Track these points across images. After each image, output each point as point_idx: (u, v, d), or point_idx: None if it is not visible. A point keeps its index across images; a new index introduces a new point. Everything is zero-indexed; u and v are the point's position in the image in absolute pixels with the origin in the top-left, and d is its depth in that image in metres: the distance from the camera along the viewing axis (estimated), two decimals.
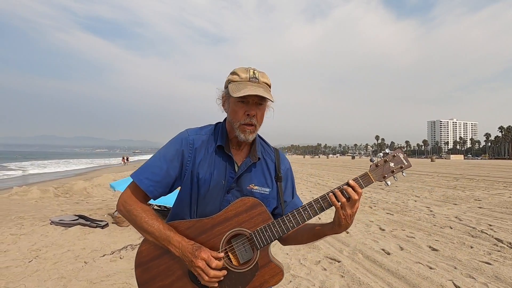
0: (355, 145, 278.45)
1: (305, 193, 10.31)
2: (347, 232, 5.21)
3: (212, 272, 1.07)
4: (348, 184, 1.14)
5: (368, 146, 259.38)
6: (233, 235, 1.15)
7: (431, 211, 7.11)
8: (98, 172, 24.11)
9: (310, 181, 14.71)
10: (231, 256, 1.16)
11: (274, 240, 1.16)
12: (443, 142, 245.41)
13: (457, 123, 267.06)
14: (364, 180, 1.18)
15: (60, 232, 4.99)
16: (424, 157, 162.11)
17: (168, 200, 4.61)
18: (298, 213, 1.15)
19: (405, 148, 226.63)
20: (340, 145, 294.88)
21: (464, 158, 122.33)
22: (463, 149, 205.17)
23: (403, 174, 1.21)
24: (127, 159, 43.13)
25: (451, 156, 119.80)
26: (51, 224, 5.45)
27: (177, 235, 1.12)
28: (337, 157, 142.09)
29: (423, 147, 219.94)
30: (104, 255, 3.99)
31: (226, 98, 1.23)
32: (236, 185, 1.20)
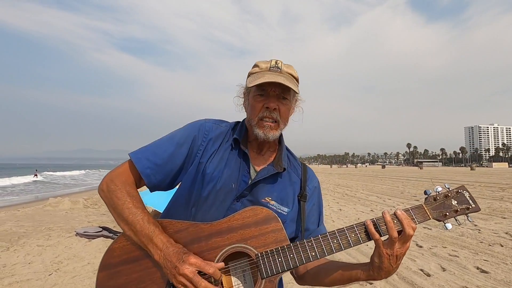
0: (385, 153, 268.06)
1: (332, 204, 9.81)
2: None
3: (203, 284, 0.80)
4: (394, 214, 0.89)
5: (400, 155, 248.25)
6: (233, 252, 0.89)
7: (475, 225, 6.37)
8: None
9: (337, 192, 14.08)
10: (223, 280, 0.89)
11: (287, 270, 0.89)
12: (483, 149, 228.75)
13: (499, 128, 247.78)
14: (419, 213, 0.93)
15: (83, 244, 5.02)
16: (463, 166, 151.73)
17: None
18: (325, 240, 0.89)
19: (441, 156, 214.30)
20: (369, 153, 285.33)
21: (509, 166, 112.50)
22: (507, 156, 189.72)
23: (469, 219, 0.95)
24: None
25: (494, 164, 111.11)
26: (76, 236, 5.54)
27: (164, 234, 0.88)
28: (366, 166, 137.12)
29: (460, 154, 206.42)
30: None
31: (247, 94, 1.05)
32: (249, 193, 0.99)
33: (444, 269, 3.85)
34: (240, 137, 1.03)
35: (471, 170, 53.40)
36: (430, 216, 0.93)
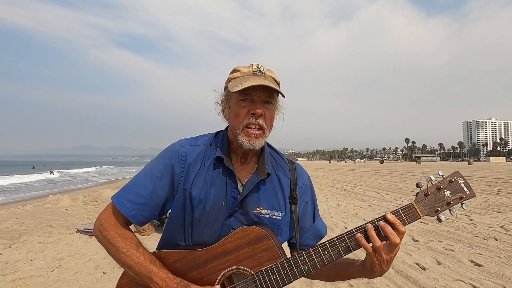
0: (384, 149, 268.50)
1: (331, 199, 9.89)
2: None
3: None
4: (385, 219, 0.88)
5: (398, 150, 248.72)
6: (231, 274, 0.93)
7: (471, 219, 6.46)
8: (126, 180, 24.94)
9: (335, 187, 14.17)
10: None
11: (283, 286, 0.92)
12: (481, 144, 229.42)
13: (497, 123, 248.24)
14: (409, 214, 0.90)
15: (84, 241, 5.08)
16: (461, 160, 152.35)
17: None
18: (316, 253, 0.92)
19: (439, 151, 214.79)
20: (367, 149, 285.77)
21: (507, 161, 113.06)
22: (504, 150, 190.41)
23: (463, 206, 0.93)
24: None
25: (491, 158, 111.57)
26: (77, 233, 5.59)
27: (162, 270, 0.91)
28: (364, 161, 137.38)
29: (458, 149, 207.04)
30: None
31: (226, 102, 1.02)
32: (240, 208, 0.99)
33: (439, 263, 3.93)
34: (223, 152, 1.00)
35: (468, 164, 53.68)
36: (421, 215, 0.90)
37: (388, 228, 0.87)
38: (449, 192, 0.92)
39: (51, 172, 37.47)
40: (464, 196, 0.92)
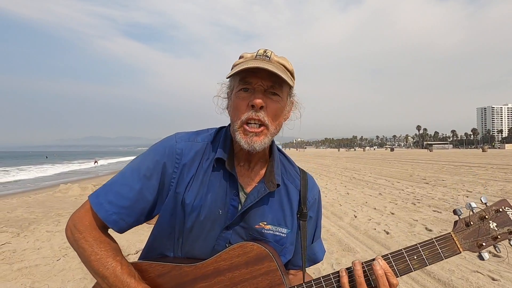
0: (394, 136, 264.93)
1: (340, 188, 9.72)
2: (387, 233, 4.67)
3: None
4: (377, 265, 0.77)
5: (409, 137, 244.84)
6: None
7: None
8: None
9: (345, 175, 13.96)
10: None
11: None
12: (495, 130, 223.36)
13: None
14: (446, 246, 0.76)
15: None
16: (474, 147, 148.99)
17: None
18: (318, 284, 0.78)
19: (451, 138, 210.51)
20: (377, 137, 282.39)
21: None
22: None
23: (511, 243, 0.78)
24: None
25: (506, 145, 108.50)
26: None
27: (141, 285, 0.77)
28: (374, 149, 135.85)
29: (472, 136, 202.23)
30: (128, 255, 3.93)
31: (229, 94, 0.87)
32: (240, 220, 0.85)
33: None
34: (226, 153, 0.85)
35: (482, 151, 52.35)
36: (461, 249, 0.76)
37: (383, 277, 0.75)
38: (495, 224, 0.78)
39: (96, 162, 39.57)
40: None
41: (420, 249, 0.76)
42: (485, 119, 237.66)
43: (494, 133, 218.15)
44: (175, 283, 0.79)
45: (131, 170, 0.84)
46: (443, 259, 0.76)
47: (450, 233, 0.78)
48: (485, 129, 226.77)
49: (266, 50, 0.83)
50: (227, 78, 0.83)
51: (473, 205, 0.79)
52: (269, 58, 0.81)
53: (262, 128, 0.80)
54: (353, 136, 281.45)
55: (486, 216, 0.78)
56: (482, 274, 3.15)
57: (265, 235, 0.85)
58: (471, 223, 0.78)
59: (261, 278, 0.77)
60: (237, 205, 0.84)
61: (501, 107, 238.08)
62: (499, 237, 0.77)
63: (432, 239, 0.77)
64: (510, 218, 0.78)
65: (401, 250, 0.77)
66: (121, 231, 0.83)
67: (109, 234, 0.84)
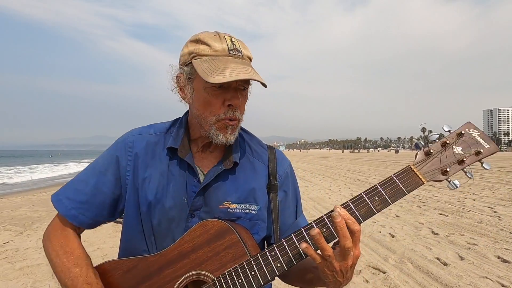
0: (399, 138, 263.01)
1: (344, 189, 9.63)
2: (393, 236, 4.59)
3: None
4: (335, 213, 0.66)
5: (413, 139, 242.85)
6: (189, 281, 0.76)
7: (495, 212, 6.09)
8: None
9: (349, 177, 13.85)
10: None
11: None
12: (502, 133, 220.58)
13: None
14: (406, 180, 0.69)
15: (93, 230, 5.06)
16: None
17: None
18: (291, 243, 0.71)
19: None
20: (381, 138, 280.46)
21: None
22: None
23: (484, 165, 0.70)
24: None
25: None
26: None
27: None
28: (378, 151, 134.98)
29: None
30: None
31: (188, 82, 0.81)
32: (203, 203, 0.83)
33: (462, 258, 3.66)
34: (177, 142, 0.85)
35: None
36: (424, 180, 0.69)
37: (342, 225, 0.66)
38: (460, 148, 0.70)
39: None
40: (482, 150, 0.69)
41: (380, 188, 0.70)
42: (492, 121, 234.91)
43: (500, 136, 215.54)
44: (142, 276, 0.79)
45: (88, 168, 0.88)
46: (406, 194, 0.69)
47: (409, 165, 0.70)
48: (492, 132, 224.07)
49: (233, 41, 0.79)
50: (213, 82, 0.74)
51: (435, 135, 0.72)
52: (241, 53, 0.79)
53: (236, 121, 0.82)
54: (357, 137, 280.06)
55: (448, 142, 0.70)
56: (491, 280, 3.06)
57: (233, 215, 0.83)
58: (431, 151, 0.70)
59: (224, 253, 0.75)
60: (196, 190, 0.83)
61: (508, 109, 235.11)
62: (465, 159, 0.69)
63: (391, 175, 0.71)
64: (476, 139, 0.70)
65: (360, 194, 0.72)
66: (84, 225, 0.85)
67: (76, 240, 0.84)
